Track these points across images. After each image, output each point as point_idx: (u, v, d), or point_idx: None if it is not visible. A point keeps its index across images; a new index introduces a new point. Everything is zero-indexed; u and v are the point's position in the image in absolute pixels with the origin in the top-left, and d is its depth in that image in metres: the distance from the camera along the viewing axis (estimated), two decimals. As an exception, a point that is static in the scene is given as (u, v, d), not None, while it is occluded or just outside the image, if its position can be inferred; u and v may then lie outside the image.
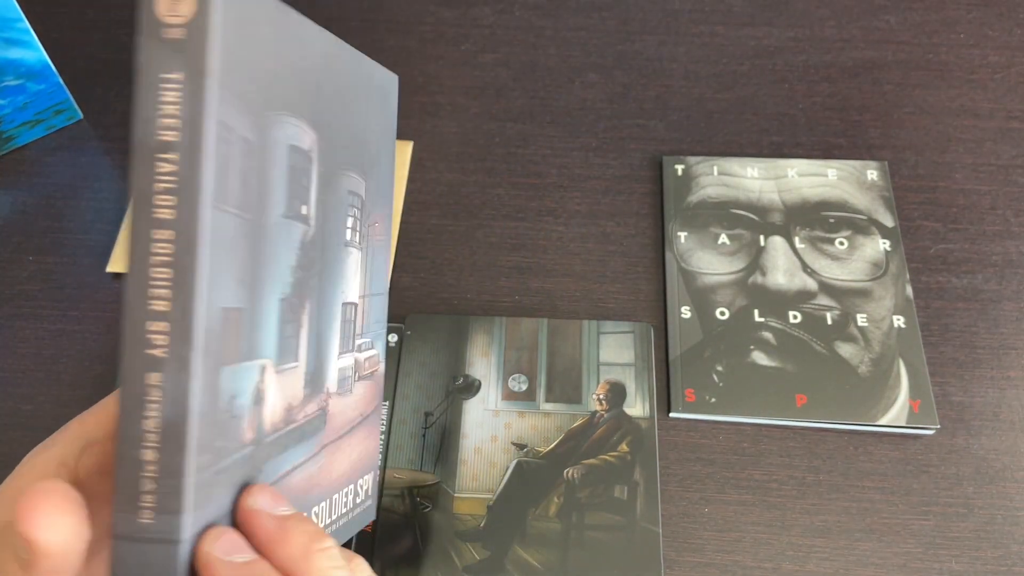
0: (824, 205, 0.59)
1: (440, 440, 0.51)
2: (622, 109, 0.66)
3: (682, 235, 0.58)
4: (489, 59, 0.68)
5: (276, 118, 0.28)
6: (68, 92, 0.63)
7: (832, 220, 0.58)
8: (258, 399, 0.29)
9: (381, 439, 0.50)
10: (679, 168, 0.61)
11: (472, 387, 0.53)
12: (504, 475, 0.50)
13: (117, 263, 0.57)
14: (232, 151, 0.25)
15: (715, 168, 0.61)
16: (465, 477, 0.50)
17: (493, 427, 0.52)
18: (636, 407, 0.52)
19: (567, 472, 0.50)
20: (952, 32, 0.70)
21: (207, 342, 0.25)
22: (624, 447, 0.51)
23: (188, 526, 0.25)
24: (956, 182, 0.61)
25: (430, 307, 0.56)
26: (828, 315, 0.54)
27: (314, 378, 0.33)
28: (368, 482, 0.38)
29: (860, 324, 0.54)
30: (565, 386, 0.53)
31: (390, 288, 0.56)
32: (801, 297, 0.55)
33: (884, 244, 0.57)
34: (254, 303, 0.28)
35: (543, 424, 0.52)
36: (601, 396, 0.52)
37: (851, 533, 0.48)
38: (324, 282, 0.33)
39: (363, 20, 0.71)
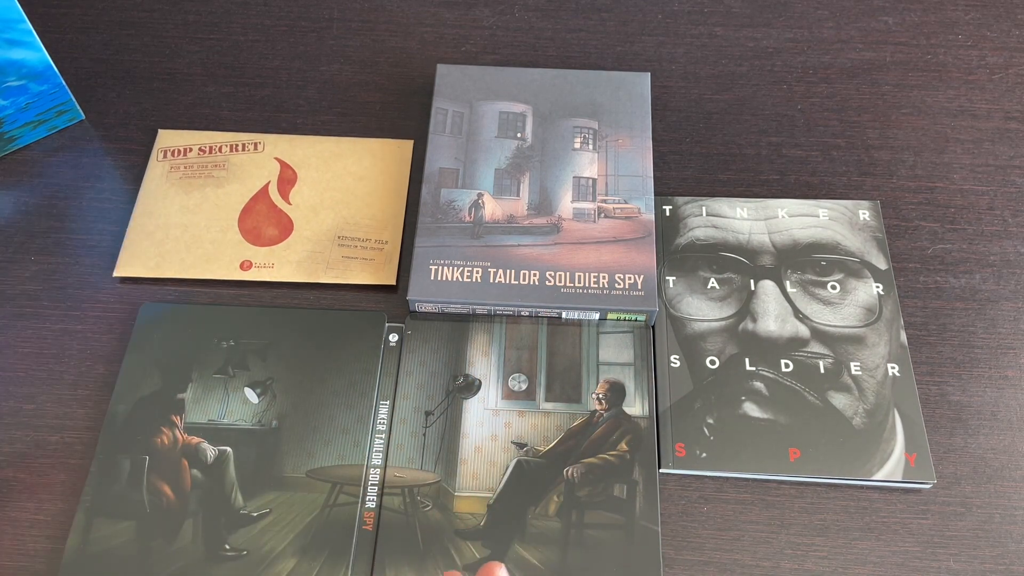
0: (815, 247, 0.57)
1: (440, 439, 0.51)
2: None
3: (671, 279, 0.56)
4: (489, 60, 0.68)
5: (486, 102, 0.61)
6: (70, 93, 0.63)
7: (824, 263, 0.56)
8: (476, 205, 0.56)
9: (382, 437, 0.51)
10: (667, 209, 0.59)
11: (472, 386, 0.53)
12: (504, 474, 0.50)
13: (125, 267, 0.57)
14: (445, 116, 0.60)
15: (704, 209, 0.59)
16: (465, 476, 0.50)
17: (493, 426, 0.52)
18: (635, 406, 0.52)
19: (567, 471, 0.50)
20: (950, 33, 0.70)
21: (429, 175, 0.58)
22: (623, 446, 0.51)
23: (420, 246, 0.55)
24: (954, 182, 0.62)
25: (430, 307, 0.56)
26: (821, 363, 0.53)
27: (538, 207, 0.57)
28: (638, 280, 0.53)
29: (854, 373, 0.52)
30: (565, 385, 0.53)
31: (395, 286, 0.57)
32: (793, 345, 0.53)
33: (877, 288, 0.55)
34: (466, 167, 0.58)
35: (543, 423, 0.52)
36: (600, 395, 0.53)
37: (849, 532, 0.48)
38: (547, 166, 0.58)
39: (364, 21, 0.71)
